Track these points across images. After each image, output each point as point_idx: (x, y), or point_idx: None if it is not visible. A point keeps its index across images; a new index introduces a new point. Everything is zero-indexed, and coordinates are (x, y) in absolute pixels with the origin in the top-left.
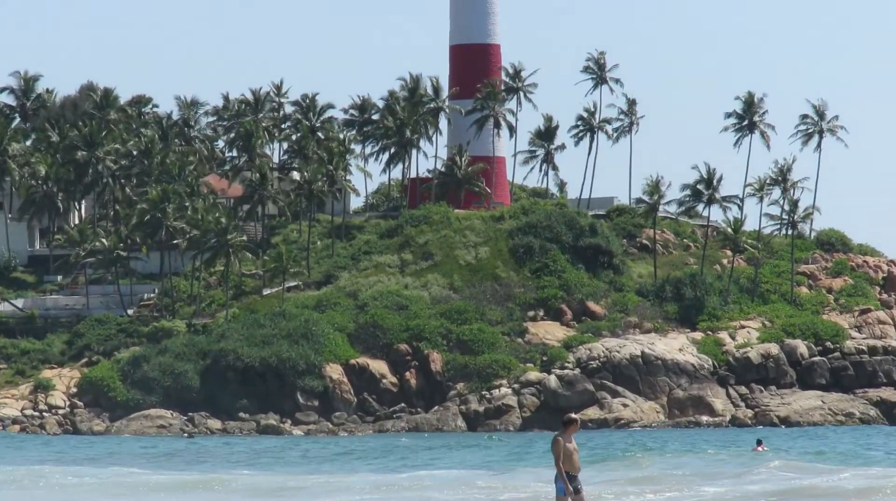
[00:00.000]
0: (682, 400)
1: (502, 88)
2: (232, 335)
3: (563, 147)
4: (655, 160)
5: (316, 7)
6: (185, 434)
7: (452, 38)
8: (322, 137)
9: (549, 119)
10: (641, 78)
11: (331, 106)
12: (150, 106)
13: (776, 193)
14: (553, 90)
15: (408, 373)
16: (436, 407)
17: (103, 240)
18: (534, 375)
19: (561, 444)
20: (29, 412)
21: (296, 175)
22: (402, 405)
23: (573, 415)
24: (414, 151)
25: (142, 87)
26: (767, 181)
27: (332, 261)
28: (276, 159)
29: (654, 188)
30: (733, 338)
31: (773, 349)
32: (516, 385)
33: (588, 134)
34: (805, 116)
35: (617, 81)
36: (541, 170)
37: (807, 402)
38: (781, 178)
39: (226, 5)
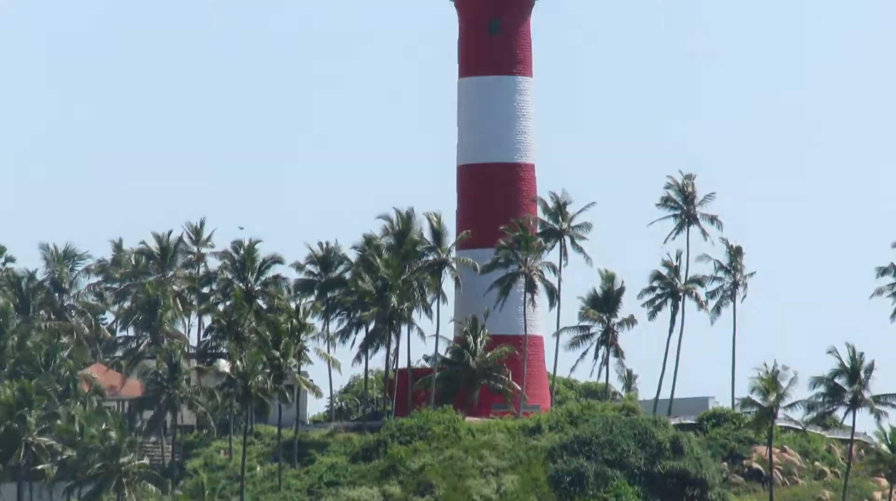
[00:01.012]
0: None
1: (538, 230)
2: None
3: (631, 322)
4: (772, 341)
5: (254, 107)
6: None
7: (461, 154)
8: (264, 306)
9: (609, 278)
10: (749, 214)
11: (277, 260)
12: (1, 259)
13: None
14: (615, 234)
15: None
16: None
17: None
18: None
19: None
20: None
21: (224, 365)
22: None
23: None
24: (404, 328)
25: None
26: None
27: (279, 497)
28: (193, 341)
29: (771, 384)
30: None
31: None
32: None
33: (669, 301)
34: None
35: (713, 219)
36: (597, 356)
37: None
38: None
39: (114, 101)
